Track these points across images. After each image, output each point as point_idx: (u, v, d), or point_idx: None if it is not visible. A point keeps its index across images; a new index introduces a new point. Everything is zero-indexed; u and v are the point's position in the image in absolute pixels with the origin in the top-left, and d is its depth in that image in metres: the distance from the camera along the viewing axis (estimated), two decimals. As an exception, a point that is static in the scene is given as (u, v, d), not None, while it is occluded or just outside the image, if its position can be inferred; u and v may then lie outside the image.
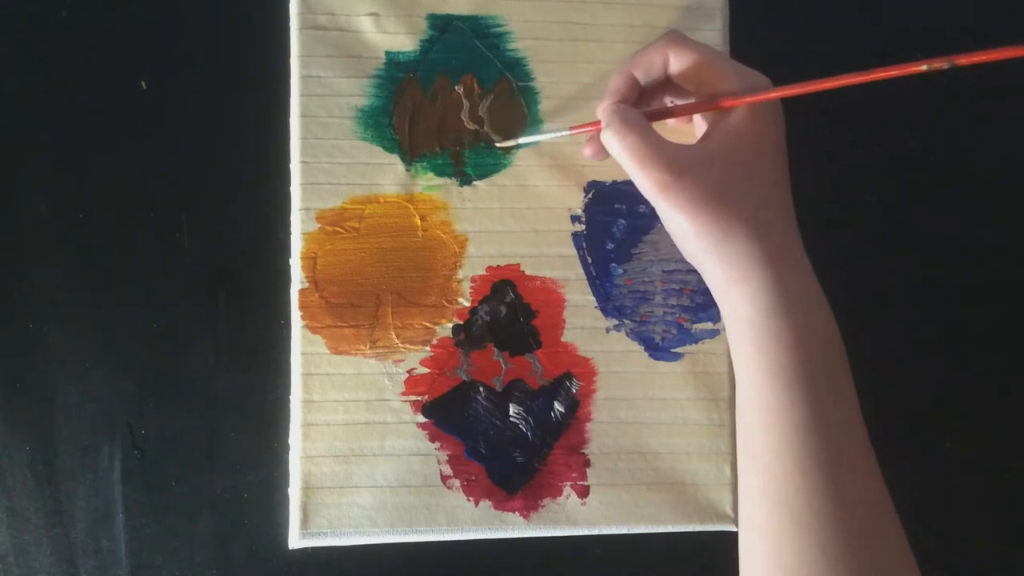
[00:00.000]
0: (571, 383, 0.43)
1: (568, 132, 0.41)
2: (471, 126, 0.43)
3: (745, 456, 0.35)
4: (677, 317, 0.44)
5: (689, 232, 0.35)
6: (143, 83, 0.43)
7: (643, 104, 0.40)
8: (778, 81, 0.38)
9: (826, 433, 0.33)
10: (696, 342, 0.44)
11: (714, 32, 0.44)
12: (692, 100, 0.38)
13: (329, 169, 0.42)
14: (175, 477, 0.42)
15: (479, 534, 0.42)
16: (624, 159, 0.36)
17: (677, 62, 0.37)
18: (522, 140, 0.43)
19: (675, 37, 0.37)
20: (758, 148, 0.36)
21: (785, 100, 0.36)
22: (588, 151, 0.40)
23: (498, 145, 0.43)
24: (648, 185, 0.35)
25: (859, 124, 0.47)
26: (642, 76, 0.38)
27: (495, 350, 0.43)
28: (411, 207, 0.43)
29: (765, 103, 0.36)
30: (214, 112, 0.43)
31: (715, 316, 0.44)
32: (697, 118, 0.40)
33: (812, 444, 0.33)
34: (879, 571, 0.33)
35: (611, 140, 0.36)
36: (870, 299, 0.46)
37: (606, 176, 0.44)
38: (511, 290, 0.43)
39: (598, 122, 0.38)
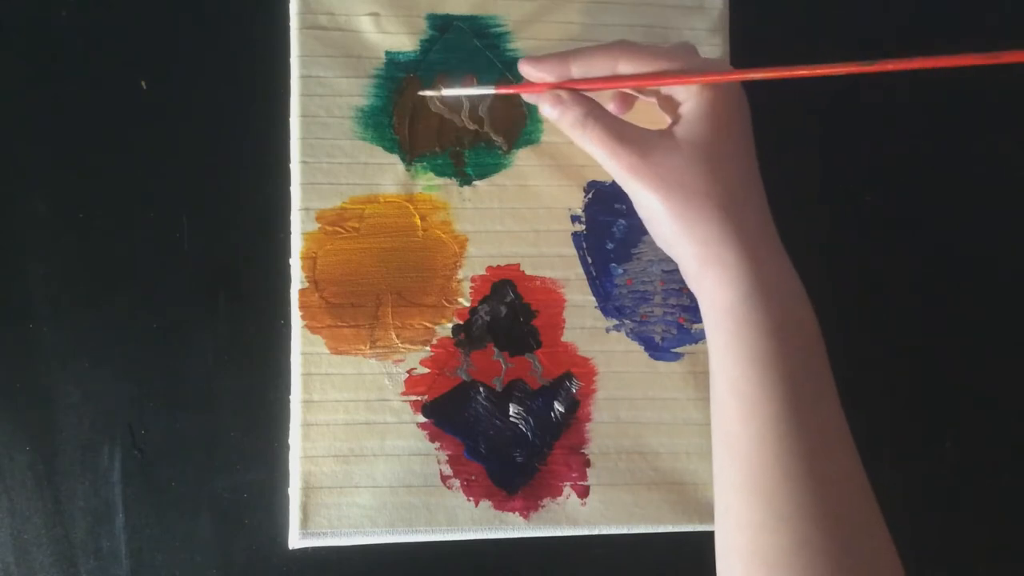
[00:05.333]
0: (571, 383, 0.43)
1: (495, 91, 0.40)
2: (471, 126, 0.43)
3: (722, 449, 0.35)
4: (677, 317, 0.44)
5: (661, 213, 0.35)
6: (143, 83, 0.43)
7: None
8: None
9: (806, 424, 0.33)
10: (696, 342, 0.44)
11: (714, 32, 0.44)
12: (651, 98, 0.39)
13: (329, 169, 0.42)
14: (175, 477, 0.42)
15: (479, 534, 0.42)
16: (591, 150, 0.37)
17: (628, 69, 0.36)
18: (445, 92, 0.42)
19: (626, 45, 0.37)
20: (724, 134, 0.36)
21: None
22: (528, 98, 0.40)
23: (420, 93, 0.42)
24: (618, 168, 0.36)
25: (857, 123, 0.47)
26: (577, 74, 0.37)
27: (495, 350, 0.43)
28: (411, 207, 0.43)
29: (732, 91, 0.36)
30: (214, 112, 0.43)
31: (715, 316, 0.44)
32: (662, 115, 0.40)
33: (792, 435, 0.33)
34: (859, 562, 0.33)
35: (575, 137, 0.37)
36: (870, 298, 0.46)
37: (606, 176, 0.44)
38: (511, 290, 0.43)
39: (530, 85, 0.39)
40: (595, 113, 0.37)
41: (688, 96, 0.36)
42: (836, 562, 0.32)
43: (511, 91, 0.41)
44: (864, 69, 0.32)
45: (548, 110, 0.38)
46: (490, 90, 0.41)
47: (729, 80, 0.36)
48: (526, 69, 0.38)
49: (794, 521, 0.32)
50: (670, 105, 0.37)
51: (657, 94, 0.38)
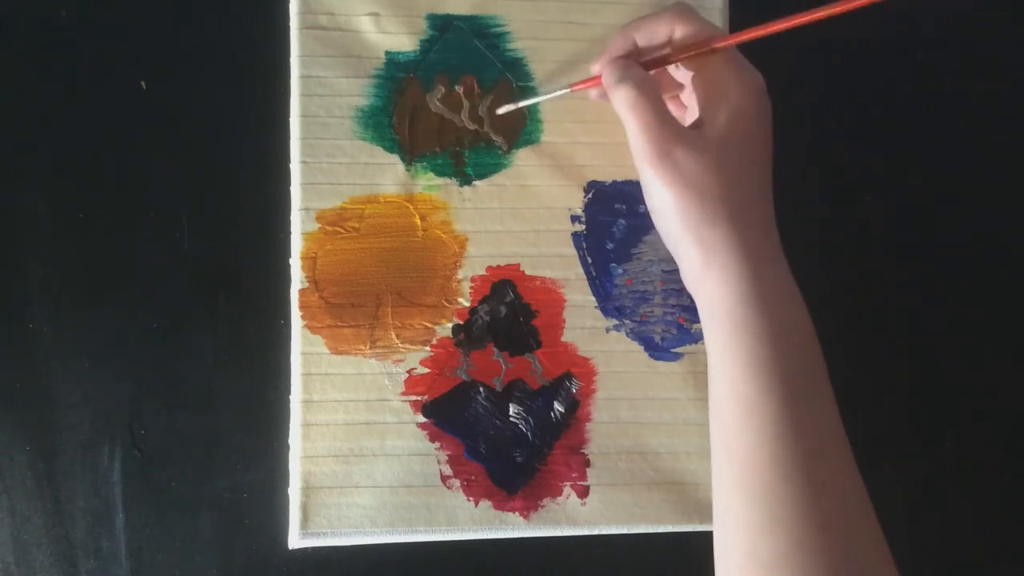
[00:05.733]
0: (571, 383, 0.43)
1: (569, 90, 0.41)
2: (471, 126, 0.43)
3: (720, 450, 0.35)
4: (677, 317, 0.44)
5: (673, 209, 0.35)
6: (143, 83, 0.43)
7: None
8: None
9: (803, 426, 0.33)
10: (696, 342, 0.44)
11: (714, 32, 0.44)
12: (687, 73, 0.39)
13: (329, 169, 0.42)
14: (175, 477, 0.42)
15: (479, 534, 0.42)
16: (630, 116, 0.36)
17: (683, 33, 0.37)
18: (522, 103, 0.43)
19: (682, 9, 0.37)
20: (748, 144, 0.36)
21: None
22: (593, 94, 0.41)
23: (499, 112, 0.43)
24: (645, 150, 0.36)
25: (858, 122, 0.47)
26: (642, 42, 0.38)
27: (495, 350, 0.43)
28: (411, 207, 0.43)
29: (760, 100, 0.36)
30: (214, 112, 0.43)
31: (715, 316, 0.44)
32: (691, 105, 0.40)
33: (789, 436, 0.33)
34: (854, 564, 0.33)
35: (623, 97, 0.36)
36: (870, 298, 0.46)
37: (606, 176, 0.44)
38: (511, 290, 0.43)
39: (597, 78, 0.39)
40: (653, 84, 0.37)
41: (719, 96, 0.36)
42: (831, 563, 0.32)
43: (586, 87, 0.40)
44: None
45: (610, 71, 0.37)
46: (564, 91, 0.41)
47: (770, 32, 0.36)
48: (595, 66, 0.39)
49: (790, 523, 0.33)
50: (701, 92, 0.37)
51: (693, 77, 0.38)
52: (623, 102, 0.36)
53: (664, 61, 0.38)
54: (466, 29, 0.43)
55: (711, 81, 0.37)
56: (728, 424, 0.35)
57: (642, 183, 0.37)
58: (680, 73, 0.40)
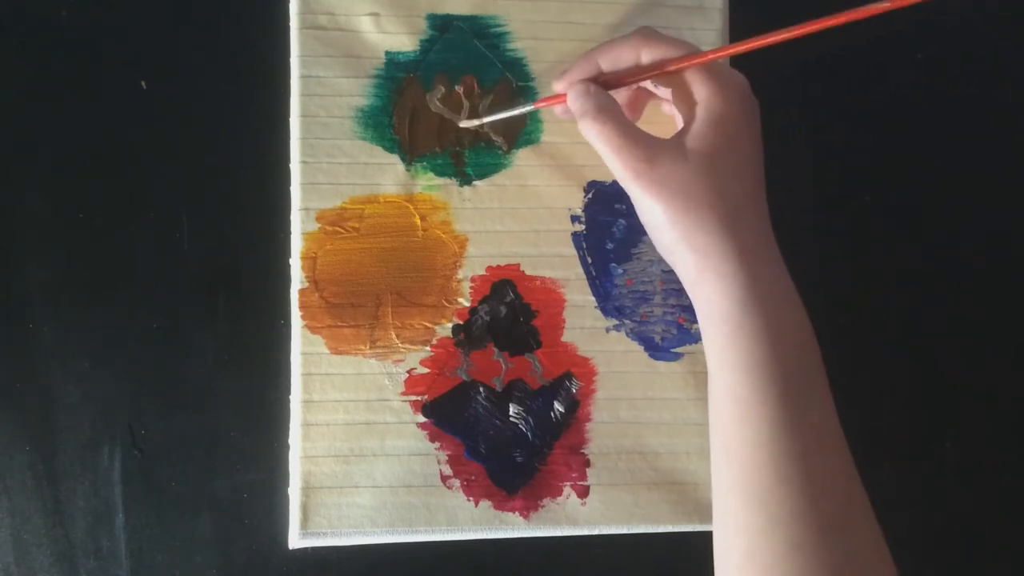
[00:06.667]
0: (571, 383, 0.43)
1: (532, 107, 0.41)
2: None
3: (719, 451, 0.35)
4: (677, 317, 0.44)
5: (662, 220, 0.35)
6: (143, 83, 0.43)
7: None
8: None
9: (800, 427, 0.33)
10: (696, 342, 0.44)
11: (714, 32, 0.44)
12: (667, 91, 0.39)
13: (329, 169, 0.42)
14: (175, 477, 0.42)
15: (479, 534, 0.42)
16: (599, 146, 0.36)
17: (649, 58, 0.37)
18: (486, 119, 0.43)
19: (647, 34, 0.37)
20: (733, 144, 0.36)
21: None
22: (558, 110, 0.41)
23: (462, 124, 0.43)
24: (622, 172, 0.36)
25: (858, 124, 0.47)
26: (607, 67, 0.38)
27: (495, 350, 0.43)
28: (411, 207, 0.43)
29: (743, 103, 0.36)
30: (214, 112, 0.43)
31: (715, 316, 0.44)
32: (677, 115, 0.40)
33: (786, 438, 0.33)
34: (853, 565, 0.33)
35: (587, 129, 0.37)
36: (869, 299, 0.46)
37: (606, 176, 0.44)
38: (511, 290, 0.43)
39: (560, 96, 0.39)
40: (613, 109, 0.37)
41: (700, 104, 0.36)
42: (829, 565, 0.32)
43: (549, 104, 0.40)
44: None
45: (572, 98, 0.38)
46: (528, 108, 0.41)
47: (745, 50, 0.36)
48: (558, 85, 0.39)
49: (788, 525, 0.33)
50: (683, 106, 0.37)
51: (672, 92, 0.38)
52: (588, 133, 0.37)
53: (620, 83, 0.38)
54: (466, 29, 0.43)
55: (688, 93, 0.37)
56: (727, 425, 0.35)
57: (632, 202, 0.37)
58: (660, 90, 0.40)
